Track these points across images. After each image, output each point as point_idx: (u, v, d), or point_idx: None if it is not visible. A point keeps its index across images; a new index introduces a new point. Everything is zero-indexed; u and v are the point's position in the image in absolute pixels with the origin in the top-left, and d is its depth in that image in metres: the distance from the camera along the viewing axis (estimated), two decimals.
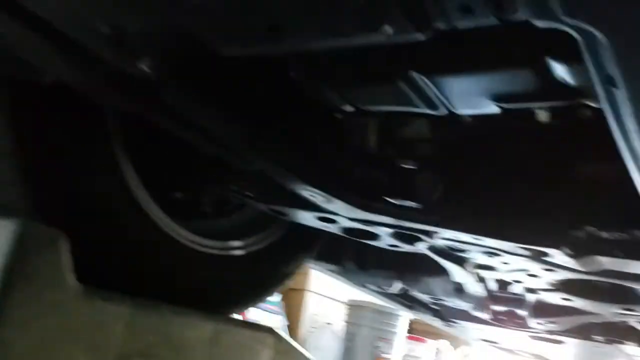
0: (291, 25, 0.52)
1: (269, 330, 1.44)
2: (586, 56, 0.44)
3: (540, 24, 0.43)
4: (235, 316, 1.87)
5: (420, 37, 0.50)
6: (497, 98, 0.63)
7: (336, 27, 0.51)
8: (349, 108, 0.75)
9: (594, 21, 0.40)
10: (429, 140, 0.89)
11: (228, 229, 1.45)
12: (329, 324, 4.86)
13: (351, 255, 1.84)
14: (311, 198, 0.98)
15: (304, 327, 4.96)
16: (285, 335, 1.43)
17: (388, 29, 0.48)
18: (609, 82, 0.45)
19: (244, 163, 0.94)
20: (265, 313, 4.31)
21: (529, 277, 1.27)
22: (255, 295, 1.55)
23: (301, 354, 1.51)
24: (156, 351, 1.12)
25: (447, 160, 0.91)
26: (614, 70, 0.44)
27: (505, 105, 0.64)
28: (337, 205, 0.99)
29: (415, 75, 0.63)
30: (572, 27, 0.41)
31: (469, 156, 0.90)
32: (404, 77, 0.63)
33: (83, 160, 1.06)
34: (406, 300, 2.28)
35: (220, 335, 1.26)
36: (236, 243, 1.42)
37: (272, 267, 1.54)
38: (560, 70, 0.56)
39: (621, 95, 0.46)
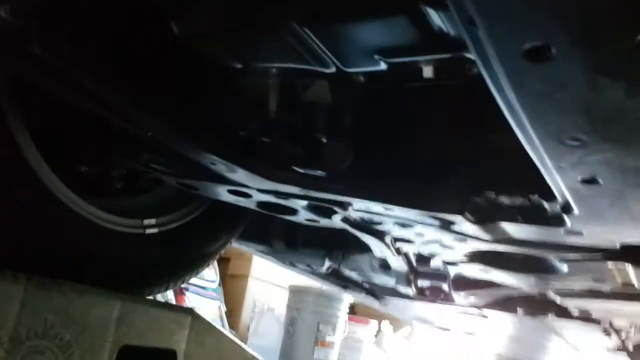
0: None
1: (187, 311, 1.40)
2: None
3: None
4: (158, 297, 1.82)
5: None
6: (380, 52, 0.61)
7: None
8: (238, 65, 0.72)
9: None
10: (329, 105, 0.86)
11: (142, 207, 1.40)
12: (270, 309, 4.84)
13: (280, 235, 1.82)
14: (212, 167, 0.94)
15: (246, 313, 4.92)
16: (202, 315, 1.40)
17: None
18: (470, 22, 0.44)
19: (136, 128, 0.89)
20: (204, 299, 4.25)
21: (443, 248, 1.28)
22: (173, 275, 1.50)
23: (221, 332, 1.48)
24: (56, 331, 1.07)
25: (349, 125, 0.89)
26: (472, 8, 0.42)
27: (389, 60, 0.62)
28: (240, 175, 0.95)
29: (296, 27, 0.60)
30: None
31: (370, 121, 0.88)
32: (287, 29, 0.61)
33: None
34: (339, 279, 2.27)
35: (129, 314, 1.21)
36: (150, 221, 1.37)
37: (191, 246, 1.50)
38: (437, 19, 0.54)
39: (482, 34, 0.44)
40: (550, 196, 0.81)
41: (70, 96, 0.83)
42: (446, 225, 1.02)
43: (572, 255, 1.08)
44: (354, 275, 2.01)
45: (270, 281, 5.05)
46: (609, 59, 0.44)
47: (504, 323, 2.21)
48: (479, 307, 1.84)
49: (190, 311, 1.40)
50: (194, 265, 1.56)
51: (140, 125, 0.86)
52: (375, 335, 5.05)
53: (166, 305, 1.46)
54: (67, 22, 0.65)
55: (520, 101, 0.52)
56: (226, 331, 1.53)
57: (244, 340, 4.61)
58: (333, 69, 0.68)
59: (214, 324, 1.48)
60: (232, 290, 4.85)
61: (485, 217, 0.92)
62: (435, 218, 1.00)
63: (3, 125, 1.03)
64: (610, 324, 1.80)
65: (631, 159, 0.58)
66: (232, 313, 4.82)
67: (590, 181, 0.66)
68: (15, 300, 1.00)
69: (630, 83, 0.45)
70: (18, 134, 1.07)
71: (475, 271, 1.44)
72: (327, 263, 1.88)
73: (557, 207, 0.83)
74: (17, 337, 1.00)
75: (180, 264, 1.50)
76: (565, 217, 0.84)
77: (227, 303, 4.77)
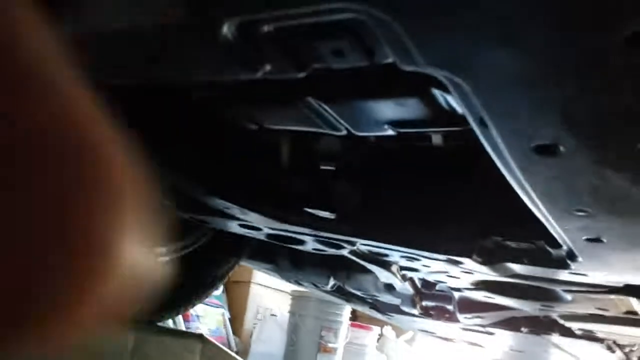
0: (166, 58, 0.51)
1: (197, 337, 1.43)
2: (457, 99, 0.45)
3: (407, 68, 0.44)
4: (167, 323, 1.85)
5: (300, 74, 0.50)
6: (391, 123, 0.63)
7: (214, 65, 0.50)
8: (253, 126, 0.75)
9: (453, 70, 0.41)
10: (340, 155, 0.89)
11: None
12: (273, 315, 4.87)
13: (285, 254, 1.85)
14: (226, 210, 0.97)
15: (249, 319, 4.95)
16: (211, 339, 1.43)
17: (268, 67, 0.48)
18: (481, 123, 0.46)
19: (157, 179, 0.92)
20: (208, 307, 4.28)
21: (450, 277, 1.30)
22: (184, 301, 1.53)
23: (230, 355, 1.51)
24: None
25: (360, 173, 0.92)
26: (482, 112, 0.45)
27: (400, 130, 0.64)
28: (252, 217, 0.98)
29: (312, 100, 0.63)
30: (436, 73, 0.42)
31: (380, 170, 0.91)
32: (303, 102, 0.63)
33: None
34: (343, 294, 2.30)
35: (143, 345, 1.24)
36: (161, 250, 1.39)
37: (201, 271, 1.53)
38: (446, 100, 0.56)
39: (493, 132, 0.47)
40: (555, 244, 0.83)
41: None
42: (454, 262, 1.05)
43: (576, 289, 1.10)
44: (358, 293, 2.03)
45: (272, 287, 5.08)
46: (615, 159, 0.46)
47: (508, 337, 2.24)
48: (483, 326, 1.87)
49: (200, 337, 1.43)
50: (205, 289, 1.59)
51: (162, 177, 0.88)
52: (378, 340, 5.08)
53: (177, 332, 1.49)
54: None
55: (529, 182, 0.54)
56: (232, 353, 1.56)
57: (248, 347, 4.64)
58: (344, 132, 0.71)
59: (222, 348, 1.51)
60: (235, 296, 4.88)
61: (492, 259, 0.95)
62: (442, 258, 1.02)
63: None
64: (614, 342, 1.83)
65: (636, 227, 0.60)
66: (236, 319, 4.85)
67: (595, 240, 0.69)
68: None
69: (635, 175, 0.48)
70: None
71: (480, 296, 1.47)
72: (332, 282, 1.90)
73: (562, 253, 0.86)
74: None
75: (191, 290, 1.53)
76: (570, 262, 0.86)
77: (230, 309, 4.80)
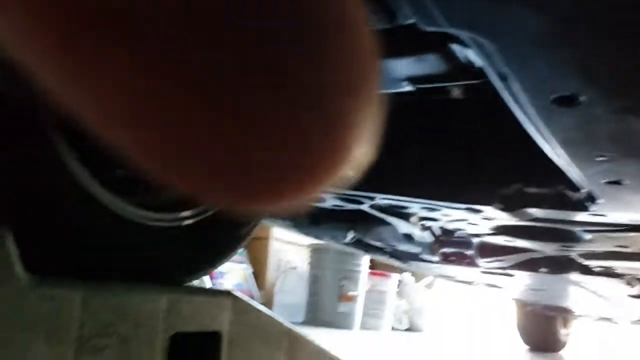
0: None
1: (227, 293, 1.47)
2: (479, 56, 0.46)
3: (429, 29, 0.45)
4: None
5: None
6: (410, 79, 0.65)
7: None
8: None
9: (476, 30, 0.42)
10: None
11: (176, 200, 1.46)
12: (293, 268, 4.98)
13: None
14: None
15: (270, 273, 5.07)
16: (242, 295, 1.48)
17: None
18: (503, 78, 0.48)
19: None
20: (231, 264, 4.38)
21: (469, 225, 1.33)
22: (212, 261, 1.58)
23: (259, 310, 1.56)
24: (114, 328, 1.15)
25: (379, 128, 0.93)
26: (504, 68, 0.46)
27: (418, 86, 0.65)
28: None
29: None
30: (458, 33, 0.43)
31: (398, 124, 0.92)
32: None
33: (18, 150, 1.04)
34: (361, 246, 2.34)
35: (177, 305, 1.29)
36: (186, 213, 1.43)
37: (225, 232, 1.57)
38: (465, 54, 0.57)
39: (515, 87, 0.48)
40: (574, 188, 0.85)
41: None
42: (474, 211, 1.07)
43: (595, 229, 1.13)
44: (377, 244, 2.07)
45: (290, 241, 5.17)
46: (635, 105, 0.48)
47: (526, 277, 2.28)
48: (502, 269, 1.90)
49: (229, 293, 1.47)
50: (229, 249, 1.63)
51: None
52: (398, 287, 5.18)
53: (208, 291, 1.54)
54: None
55: (549, 131, 0.56)
56: (263, 307, 1.61)
57: (271, 299, 4.77)
58: None
59: (252, 302, 1.56)
60: (255, 252, 4.98)
61: (513, 206, 0.97)
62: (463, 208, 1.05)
63: (46, 139, 1.08)
64: (634, 277, 1.86)
65: None
66: (258, 274, 4.96)
67: (615, 182, 0.71)
68: (76, 305, 1.08)
69: None
70: (60, 146, 1.12)
71: (500, 241, 1.50)
72: (351, 235, 1.93)
73: (582, 196, 0.87)
74: (81, 337, 1.08)
75: (216, 250, 1.57)
76: (589, 204, 0.88)
77: (252, 265, 4.91)
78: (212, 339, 1.40)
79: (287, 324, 1.67)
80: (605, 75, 0.44)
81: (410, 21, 0.46)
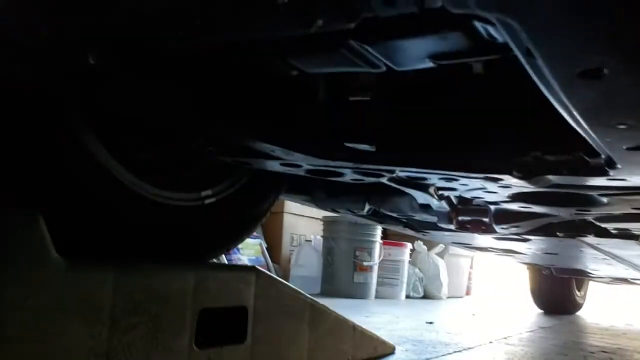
0: (225, 23, 0.54)
1: (250, 269, 1.51)
2: (504, 35, 0.47)
3: (457, 11, 0.46)
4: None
5: (350, 26, 0.52)
6: (432, 56, 0.66)
7: (272, 23, 0.53)
8: (294, 72, 0.78)
9: (503, 10, 0.43)
10: (376, 86, 0.92)
11: (197, 179, 1.48)
12: (308, 241, 5.03)
13: (320, 185, 1.90)
14: (272, 153, 1.02)
15: (285, 246, 5.13)
16: (264, 270, 1.51)
17: (320, 22, 0.51)
18: (528, 54, 0.49)
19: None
20: (247, 239, 4.43)
21: (487, 193, 1.34)
22: (233, 238, 1.61)
23: (282, 284, 1.60)
24: (145, 307, 1.19)
25: (397, 103, 0.95)
26: (529, 44, 0.47)
27: (440, 62, 0.67)
28: (296, 157, 1.03)
29: (355, 43, 0.65)
30: (486, 15, 0.44)
31: (417, 98, 0.94)
32: (345, 46, 0.66)
33: (44, 137, 1.07)
34: (377, 217, 2.36)
35: (204, 282, 1.33)
36: (207, 192, 1.46)
37: (245, 210, 1.60)
38: (488, 30, 0.59)
39: (539, 62, 0.50)
40: (594, 154, 0.87)
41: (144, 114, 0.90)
42: (492, 180, 1.09)
43: (613, 192, 1.14)
44: (393, 214, 2.09)
45: (304, 214, 5.22)
46: None
47: (542, 242, 2.30)
48: (519, 234, 1.93)
49: (253, 269, 1.51)
50: (249, 226, 1.66)
51: (210, 126, 0.93)
52: (410, 256, 5.23)
53: (232, 267, 1.58)
54: (150, 64, 0.71)
55: (572, 103, 0.57)
56: (282, 280, 1.65)
57: (287, 272, 4.84)
58: (383, 69, 0.73)
59: (274, 276, 1.60)
60: (270, 227, 5.03)
61: (532, 173, 0.98)
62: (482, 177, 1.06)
63: (71, 126, 1.11)
64: None
65: None
66: (273, 248, 5.03)
67: (636, 148, 0.72)
68: (108, 285, 1.12)
69: None
70: (82, 130, 1.15)
71: (517, 207, 1.51)
72: (367, 207, 1.95)
73: (601, 162, 0.89)
74: (114, 316, 1.12)
75: (237, 228, 1.60)
76: (609, 169, 0.90)
77: (267, 240, 4.97)
78: (238, 313, 1.44)
79: (308, 296, 1.71)
80: (629, 48, 0.46)
81: (438, 5, 0.47)
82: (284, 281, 1.63)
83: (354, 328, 1.91)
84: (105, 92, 0.83)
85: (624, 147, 0.72)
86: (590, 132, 0.67)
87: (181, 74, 0.79)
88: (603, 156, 0.85)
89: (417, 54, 0.67)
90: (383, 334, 2.35)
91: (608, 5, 0.41)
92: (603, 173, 0.91)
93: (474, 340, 2.49)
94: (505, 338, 2.65)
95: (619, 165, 0.84)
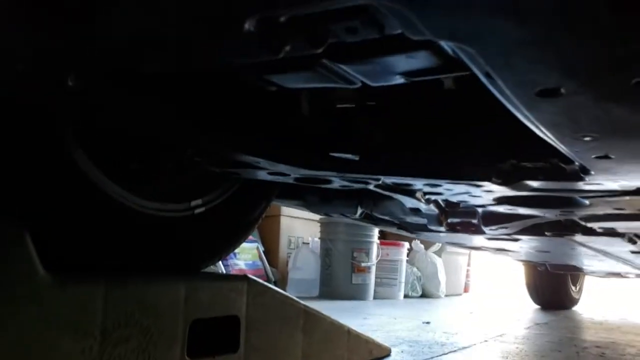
0: (199, 52, 0.55)
1: (242, 278, 1.53)
2: (464, 58, 0.49)
3: (415, 38, 0.48)
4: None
5: (317, 51, 0.54)
6: (403, 73, 0.68)
7: (240, 51, 0.54)
8: (273, 88, 0.79)
9: (457, 39, 0.45)
10: (358, 100, 0.94)
11: (186, 189, 1.50)
12: (305, 243, 5.05)
13: (313, 191, 1.91)
14: (257, 165, 1.03)
15: (282, 249, 5.14)
16: (256, 278, 1.53)
17: (287, 48, 0.53)
18: (487, 76, 0.51)
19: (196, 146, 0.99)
20: (244, 243, 4.44)
21: (472, 197, 1.36)
22: (226, 247, 1.63)
23: (274, 291, 1.62)
24: (136, 319, 1.20)
25: (378, 114, 0.97)
26: (488, 68, 0.49)
27: (411, 79, 0.69)
28: (281, 167, 1.05)
29: (328, 62, 0.67)
30: (441, 42, 0.46)
31: (397, 110, 0.96)
32: (319, 64, 0.68)
33: (31, 153, 1.08)
34: (370, 220, 2.38)
35: (195, 293, 1.35)
36: (197, 202, 1.47)
37: (237, 218, 1.61)
38: (453, 50, 0.60)
39: (500, 82, 0.52)
40: (568, 161, 0.89)
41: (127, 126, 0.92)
42: (475, 185, 1.11)
43: (592, 195, 1.16)
44: (386, 217, 2.11)
45: (300, 217, 5.23)
46: (613, 94, 0.51)
47: (533, 241, 2.32)
48: (508, 235, 1.95)
49: (245, 277, 1.52)
50: (242, 233, 1.68)
51: (197, 139, 0.95)
52: (408, 255, 5.25)
53: (223, 276, 1.59)
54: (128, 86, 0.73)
55: (536, 119, 0.59)
56: (275, 287, 1.66)
57: (285, 275, 4.85)
58: (359, 85, 0.75)
59: (266, 284, 1.61)
60: (266, 230, 5.05)
61: (510, 180, 1.00)
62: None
63: (57, 137, 1.12)
64: (635, 234, 1.90)
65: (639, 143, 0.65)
66: (270, 251, 5.04)
67: (604, 157, 0.74)
68: (99, 299, 1.13)
69: (634, 104, 0.52)
70: (71, 146, 1.16)
71: (503, 209, 1.53)
72: (360, 211, 1.97)
73: (576, 168, 0.91)
74: (105, 330, 1.14)
75: (229, 236, 1.62)
76: (583, 175, 0.92)
77: (264, 243, 4.98)
78: (230, 323, 1.45)
79: (301, 302, 1.73)
80: (582, 71, 0.48)
81: (398, 32, 0.49)
82: (276, 288, 1.65)
83: (349, 332, 1.92)
84: (90, 108, 0.84)
85: (593, 156, 0.73)
86: (559, 143, 0.69)
87: (163, 90, 0.81)
88: (576, 163, 0.87)
89: (389, 71, 0.69)
90: (380, 335, 2.37)
91: (556, 38, 0.42)
92: (579, 178, 0.93)
93: (470, 339, 2.51)
94: (500, 336, 2.67)
95: (592, 172, 0.85)
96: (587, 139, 0.65)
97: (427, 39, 0.47)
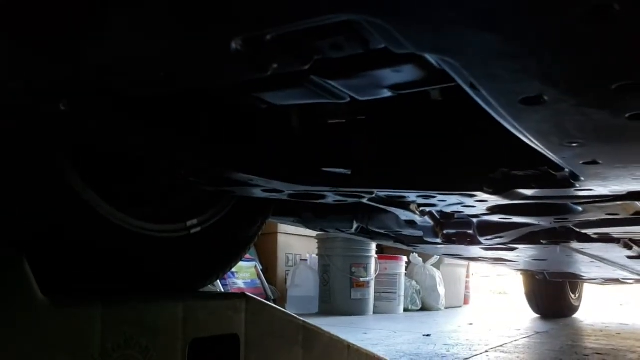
0: (187, 73, 0.57)
1: (240, 296, 1.53)
2: (448, 69, 0.50)
3: (399, 52, 0.49)
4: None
5: (304, 67, 0.55)
6: (390, 87, 0.69)
7: (228, 70, 0.56)
8: (263, 106, 0.81)
9: (439, 53, 0.46)
10: (348, 114, 0.95)
11: (182, 209, 1.50)
12: (303, 260, 5.04)
13: (308, 207, 1.92)
14: (251, 182, 1.04)
15: (281, 267, 5.13)
16: (254, 296, 1.53)
17: (275, 65, 0.54)
18: (471, 87, 0.52)
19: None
20: (240, 262, 4.43)
21: (466, 207, 1.37)
22: (223, 266, 1.63)
23: (273, 308, 1.61)
24: (135, 340, 1.20)
25: (369, 128, 0.98)
26: (471, 79, 0.50)
27: (398, 92, 0.70)
28: (275, 184, 1.05)
29: (316, 78, 0.68)
30: (425, 55, 0.47)
31: (388, 123, 0.97)
32: (307, 81, 0.69)
33: (26, 177, 1.09)
34: (367, 234, 2.38)
35: (193, 312, 1.34)
36: (192, 222, 1.48)
37: (233, 236, 1.61)
38: (438, 62, 0.61)
39: (484, 92, 0.53)
40: (557, 168, 0.90)
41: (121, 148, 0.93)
42: (467, 195, 1.12)
43: (584, 201, 1.17)
44: (381, 231, 2.12)
45: (297, 233, 5.22)
46: (594, 100, 0.52)
47: (530, 249, 2.33)
48: (504, 244, 1.96)
49: (243, 295, 1.52)
50: (238, 252, 1.68)
51: (189, 159, 0.96)
52: (406, 268, 5.25)
53: (221, 295, 1.59)
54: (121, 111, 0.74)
55: (522, 126, 0.60)
56: (274, 305, 1.66)
57: (284, 293, 4.84)
58: (348, 99, 0.76)
59: (264, 301, 1.61)
60: (264, 248, 5.04)
61: (502, 188, 1.01)
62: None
63: (51, 161, 1.13)
64: (630, 239, 1.91)
65: (625, 148, 0.67)
66: (269, 269, 5.03)
67: (592, 163, 0.75)
68: (97, 321, 1.13)
69: (614, 109, 0.54)
70: (67, 170, 1.17)
71: (497, 219, 1.54)
72: (355, 225, 1.98)
73: (566, 175, 0.92)
74: (105, 352, 1.14)
75: (226, 255, 1.62)
76: (573, 181, 0.93)
77: (262, 261, 4.97)
78: (229, 342, 1.45)
79: (300, 319, 1.72)
80: (561, 79, 0.49)
81: (382, 46, 0.51)
82: (274, 305, 1.65)
83: (349, 347, 1.91)
84: (83, 132, 0.85)
85: (581, 162, 0.75)
86: (547, 150, 0.70)
87: (152, 111, 0.82)
88: (566, 170, 0.88)
89: (376, 85, 0.70)
90: (380, 349, 2.36)
91: (535, 50, 0.44)
92: (570, 185, 0.95)
93: (470, 350, 2.50)
94: (501, 346, 2.67)
95: (582, 178, 0.87)
96: (573, 145, 0.66)
97: (410, 52, 0.48)
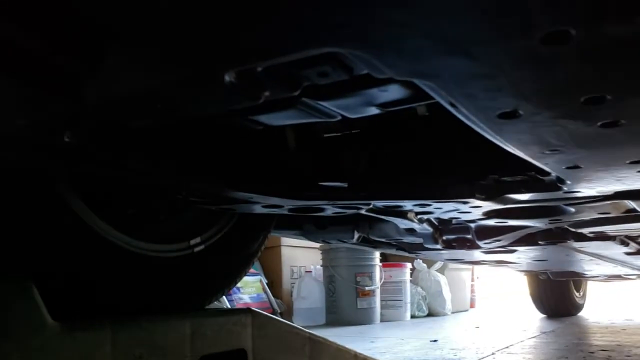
0: (184, 104, 0.61)
1: (245, 311, 1.55)
2: (427, 90, 0.54)
3: (381, 77, 0.53)
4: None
5: (294, 93, 0.59)
6: (378, 105, 0.73)
7: (223, 100, 0.59)
8: (259, 127, 0.84)
9: (417, 77, 0.50)
10: (342, 129, 0.99)
11: (184, 228, 1.54)
12: (308, 271, 5.05)
13: (308, 220, 1.95)
14: (251, 199, 1.08)
15: (286, 280, 5.15)
16: (260, 311, 1.56)
17: (267, 93, 0.57)
18: (451, 105, 0.56)
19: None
20: (245, 277, 4.45)
21: (462, 213, 1.41)
22: (228, 281, 1.66)
23: (279, 321, 1.64)
24: (144, 359, 1.23)
25: (363, 141, 1.02)
26: (450, 98, 0.54)
27: (386, 109, 0.74)
28: (274, 200, 1.09)
29: (307, 99, 0.72)
30: (405, 79, 0.51)
31: (380, 136, 1.01)
32: (300, 103, 0.72)
33: (32, 207, 1.12)
34: (368, 243, 2.41)
35: (200, 329, 1.37)
36: (195, 240, 1.51)
37: (236, 252, 1.64)
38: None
39: (462, 109, 0.56)
40: (544, 173, 0.93)
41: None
42: (461, 202, 1.16)
43: (575, 202, 1.20)
44: (382, 240, 2.15)
45: (301, 245, 5.24)
46: (567, 111, 0.56)
47: (530, 250, 2.36)
48: (504, 247, 1.98)
49: (248, 310, 1.55)
50: (242, 267, 1.71)
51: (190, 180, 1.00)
52: (411, 275, 5.26)
53: (227, 311, 1.62)
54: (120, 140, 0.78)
55: (503, 138, 0.64)
56: (279, 318, 1.69)
57: (290, 306, 4.85)
58: (339, 118, 0.80)
59: (270, 315, 1.64)
60: (268, 262, 5.06)
61: (493, 194, 1.05)
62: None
63: (54, 189, 1.16)
64: (625, 236, 1.94)
65: (603, 153, 0.70)
66: (274, 283, 5.05)
67: (574, 167, 0.79)
68: (107, 343, 1.16)
69: (587, 119, 0.57)
70: (68, 195, 1.20)
71: (494, 223, 1.58)
72: (356, 235, 2.01)
73: (553, 179, 0.95)
74: None
75: (230, 271, 1.65)
76: (561, 185, 0.96)
77: (267, 275, 4.99)
78: (237, 357, 1.48)
79: (307, 330, 1.75)
80: (532, 95, 0.52)
81: (364, 72, 0.54)
82: (280, 318, 1.67)
83: (356, 356, 1.94)
84: (86, 161, 0.89)
85: (564, 167, 0.78)
86: (530, 158, 0.74)
87: (152, 139, 0.86)
88: (553, 174, 0.91)
89: (364, 104, 0.74)
90: (388, 357, 2.38)
91: (503, 70, 0.48)
92: (557, 188, 0.98)
93: (477, 353, 2.52)
94: (507, 347, 2.69)
95: (568, 182, 0.90)
96: (553, 152, 0.69)
97: (389, 77, 0.52)
